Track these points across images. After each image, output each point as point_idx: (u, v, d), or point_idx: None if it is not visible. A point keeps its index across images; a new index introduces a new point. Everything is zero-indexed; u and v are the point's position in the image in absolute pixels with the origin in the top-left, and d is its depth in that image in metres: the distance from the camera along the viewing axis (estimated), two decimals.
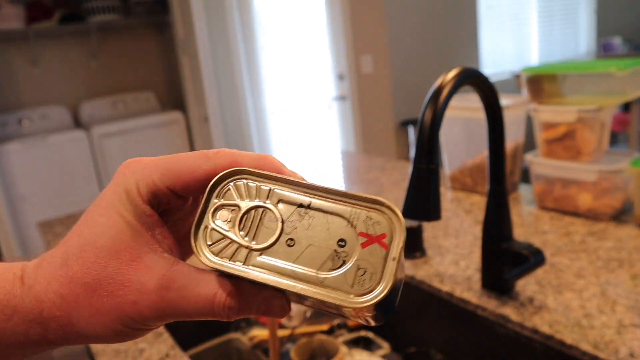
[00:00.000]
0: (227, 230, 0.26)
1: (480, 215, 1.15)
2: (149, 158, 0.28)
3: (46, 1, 3.59)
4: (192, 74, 3.20)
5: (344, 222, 0.24)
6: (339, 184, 1.57)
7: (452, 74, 0.71)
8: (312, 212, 0.25)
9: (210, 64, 3.05)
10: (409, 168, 1.59)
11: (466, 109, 1.22)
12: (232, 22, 3.25)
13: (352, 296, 0.23)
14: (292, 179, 0.27)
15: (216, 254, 0.26)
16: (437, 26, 3.50)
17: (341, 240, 0.24)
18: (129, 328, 0.27)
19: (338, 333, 0.98)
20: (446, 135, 1.30)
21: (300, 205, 0.25)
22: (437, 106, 0.69)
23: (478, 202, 1.23)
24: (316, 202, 0.25)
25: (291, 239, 0.25)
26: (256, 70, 3.33)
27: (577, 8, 4.60)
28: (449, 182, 1.35)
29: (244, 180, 0.27)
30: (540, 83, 1.09)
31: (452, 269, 0.94)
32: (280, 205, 0.26)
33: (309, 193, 0.26)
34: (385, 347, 0.96)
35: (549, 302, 0.81)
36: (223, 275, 0.26)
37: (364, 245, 0.24)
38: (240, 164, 0.27)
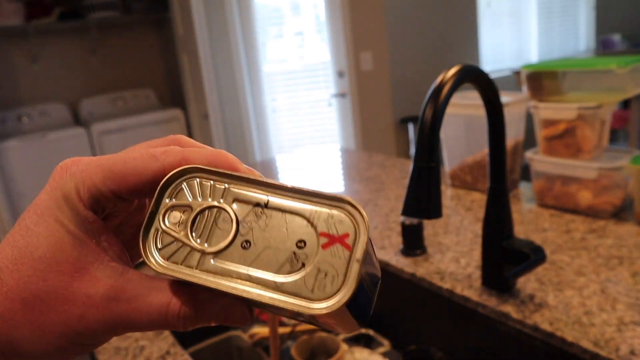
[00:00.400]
0: (179, 233, 0.24)
1: (480, 212, 1.15)
2: (89, 158, 0.26)
3: None
4: (191, 71, 3.19)
5: (304, 222, 0.23)
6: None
7: (452, 71, 0.71)
8: (269, 212, 0.23)
9: (210, 61, 3.04)
10: (409, 165, 1.59)
11: (466, 106, 1.22)
12: (231, 19, 3.24)
13: (312, 302, 0.21)
14: (248, 176, 0.24)
15: (166, 259, 0.24)
16: (437, 23, 3.49)
17: (300, 241, 0.22)
18: (76, 344, 0.25)
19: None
20: (446, 132, 1.30)
21: (257, 205, 0.23)
22: (438, 104, 0.69)
23: (478, 200, 1.23)
24: (274, 200, 0.23)
25: (247, 241, 0.23)
26: (256, 68, 3.33)
27: (577, 5, 4.59)
28: (449, 180, 1.35)
29: (197, 180, 0.24)
30: (540, 80, 1.08)
31: (452, 267, 0.94)
32: (235, 205, 0.24)
33: (266, 191, 0.24)
34: (386, 345, 0.97)
35: (549, 300, 0.81)
36: (177, 282, 0.24)
37: (325, 246, 0.22)
38: (192, 162, 0.25)
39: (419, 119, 0.69)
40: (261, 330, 0.91)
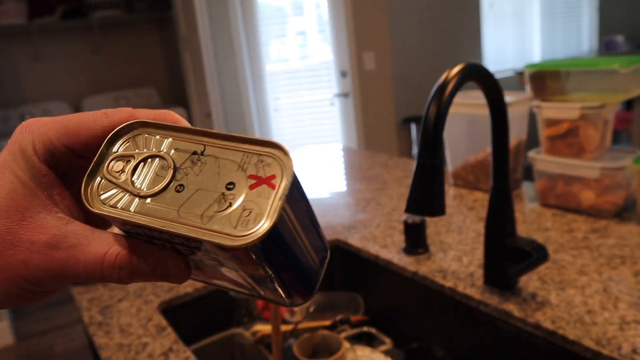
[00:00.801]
0: (119, 179, 0.25)
1: (482, 212, 1.15)
2: (48, 117, 0.27)
3: None
4: (194, 70, 3.19)
5: (235, 166, 0.24)
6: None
7: (456, 69, 0.71)
8: (204, 159, 0.25)
9: (213, 60, 3.04)
10: (411, 165, 1.60)
11: (469, 105, 1.22)
12: (234, 18, 3.25)
13: (233, 237, 0.22)
14: (188, 127, 0.26)
15: (105, 203, 0.25)
16: (440, 23, 3.49)
17: (230, 183, 0.24)
18: (24, 290, 0.26)
19: (341, 329, 0.98)
20: (449, 131, 1.30)
21: (194, 153, 0.25)
22: (442, 101, 0.69)
23: (480, 199, 1.23)
24: (210, 149, 0.25)
25: (181, 185, 0.24)
26: (258, 67, 3.33)
27: (580, 6, 4.59)
28: (452, 179, 1.35)
29: (143, 134, 0.26)
30: (543, 80, 1.09)
31: (454, 265, 0.94)
32: (174, 153, 0.25)
33: (203, 141, 0.25)
34: (388, 343, 0.97)
35: (551, 299, 0.81)
36: (117, 235, 0.26)
37: (252, 187, 0.23)
38: (139, 118, 0.27)
39: (423, 116, 0.69)
40: (263, 328, 0.91)
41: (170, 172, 0.25)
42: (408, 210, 0.68)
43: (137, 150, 0.26)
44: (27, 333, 2.80)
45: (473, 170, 1.26)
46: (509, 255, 0.83)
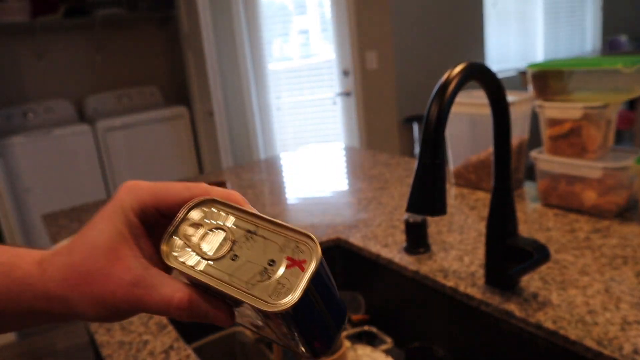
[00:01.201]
0: (190, 242, 0.33)
1: (484, 211, 1.15)
2: (145, 182, 0.36)
3: None
4: (196, 69, 3.19)
5: (278, 248, 0.31)
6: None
7: (458, 68, 0.71)
8: (256, 237, 0.32)
9: (215, 58, 3.04)
10: (413, 164, 1.59)
11: (471, 104, 1.22)
12: (237, 17, 3.25)
13: (268, 304, 0.29)
14: (247, 210, 0.33)
15: (177, 258, 0.32)
16: (442, 23, 3.49)
17: (272, 260, 0.30)
18: (110, 312, 0.33)
19: None
20: (451, 131, 1.30)
21: (249, 231, 0.32)
22: (444, 101, 0.69)
23: (482, 199, 1.23)
24: (261, 230, 0.32)
25: (235, 255, 0.31)
26: (261, 66, 3.33)
27: (584, 5, 4.58)
28: (453, 179, 1.35)
29: (212, 208, 0.33)
30: (545, 79, 1.08)
31: (456, 265, 0.94)
32: (234, 229, 0.32)
33: (257, 223, 0.32)
34: (388, 342, 0.97)
35: (553, 299, 0.81)
36: (184, 283, 0.33)
37: (288, 266, 0.30)
38: (212, 196, 0.34)
39: (424, 116, 0.69)
40: None
41: (229, 243, 0.32)
42: (409, 209, 0.68)
43: (206, 221, 0.33)
44: (29, 330, 2.80)
45: (475, 170, 1.26)
46: (510, 255, 0.83)
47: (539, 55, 4.33)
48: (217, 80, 3.06)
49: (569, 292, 0.82)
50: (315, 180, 1.59)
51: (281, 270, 0.30)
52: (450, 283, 0.89)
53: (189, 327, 0.97)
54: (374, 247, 1.04)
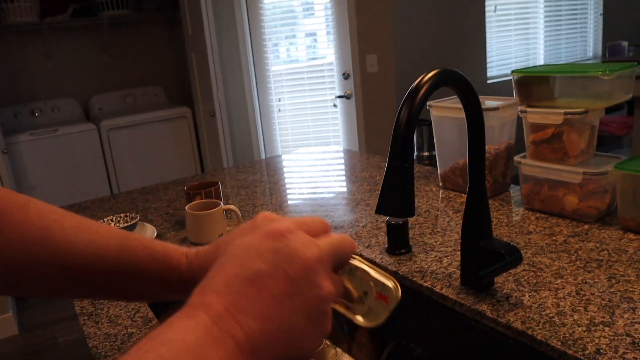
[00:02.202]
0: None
1: None
2: (277, 215, 0.46)
3: None
4: (199, 70, 3.23)
5: (372, 284, 0.44)
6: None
7: (430, 74, 0.74)
8: (360, 273, 0.45)
9: (218, 60, 3.08)
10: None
11: (459, 109, 1.24)
12: (240, 20, 3.28)
13: (361, 321, 0.44)
14: (357, 258, 0.47)
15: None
16: (443, 27, 3.50)
17: (365, 292, 0.44)
18: None
19: None
20: (439, 135, 1.32)
21: (351, 269, 0.46)
22: (414, 105, 0.71)
23: None
24: (360, 272, 0.45)
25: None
26: (263, 68, 3.36)
27: (585, 11, 4.58)
28: (440, 182, 1.37)
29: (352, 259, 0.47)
30: (529, 85, 1.10)
31: (434, 266, 0.96)
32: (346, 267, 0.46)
33: (360, 267, 0.46)
34: (367, 341, 0.99)
35: (524, 300, 0.83)
36: None
37: (376, 298, 0.44)
38: (353, 248, 0.46)
39: (395, 119, 0.71)
40: None
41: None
42: (377, 211, 0.70)
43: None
44: (31, 324, 2.86)
45: (461, 174, 1.28)
46: (484, 257, 0.85)
47: (540, 60, 4.33)
48: (219, 81, 3.10)
49: (541, 294, 0.84)
50: (307, 182, 1.62)
51: (372, 300, 0.43)
52: (427, 283, 0.91)
53: None
54: (357, 248, 1.07)
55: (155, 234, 1.22)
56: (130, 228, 1.24)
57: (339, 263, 0.43)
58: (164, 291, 0.50)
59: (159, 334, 0.33)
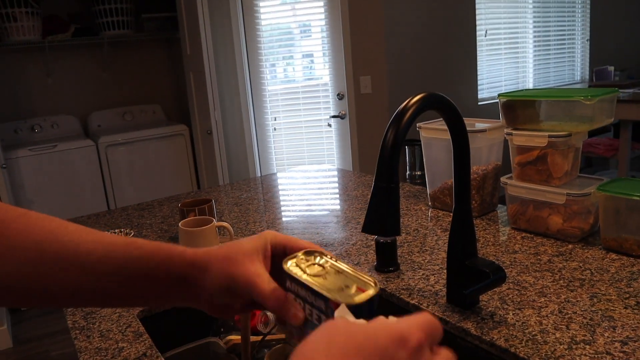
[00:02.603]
0: (300, 265, 0.49)
1: None
2: (279, 234, 0.54)
3: (62, 15, 3.71)
4: (197, 89, 3.28)
5: (352, 281, 0.46)
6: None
7: (416, 98, 0.77)
8: (341, 274, 0.48)
9: (215, 79, 3.13)
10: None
11: (448, 131, 1.27)
12: (238, 41, 3.34)
13: (340, 299, 0.44)
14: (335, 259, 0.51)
15: (290, 268, 0.48)
16: (436, 50, 3.57)
17: (347, 285, 0.46)
18: (227, 290, 0.50)
19: None
20: (428, 156, 1.35)
21: (338, 270, 0.48)
22: (400, 127, 0.74)
23: None
24: (345, 271, 0.48)
25: (326, 278, 0.47)
26: (259, 87, 3.41)
27: (573, 36, 4.71)
28: (430, 201, 1.39)
29: (317, 255, 0.51)
30: (514, 109, 1.14)
31: (421, 284, 0.98)
32: (328, 266, 0.49)
33: (342, 266, 0.49)
34: None
35: (509, 318, 0.85)
36: (288, 289, 0.48)
37: (357, 291, 0.45)
38: (319, 249, 0.52)
39: (382, 141, 0.74)
40: (235, 337, 0.95)
41: (323, 272, 0.48)
42: (364, 230, 0.73)
43: (311, 258, 0.50)
44: (25, 338, 2.85)
45: (450, 193, 1.31)
46: (469, 275, 0.87)
47: (530, 82, 4.42)
48: (216, 100, 3.14)
49: (525, 312, 0.86)
50: (300, 199, 1.64)
51: (353, 291, 0.45)
52: (413, 301, 0.93)
53: (166, 337, 1.02)
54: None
55: None
56: None
57: None
58: (173, 287, 0.52)
59: None
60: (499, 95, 1.14)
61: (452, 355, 0.39)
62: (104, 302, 0.55)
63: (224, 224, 1.18)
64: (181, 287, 0.51)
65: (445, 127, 1.28)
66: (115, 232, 1.30)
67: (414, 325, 0.37)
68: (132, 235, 1.28)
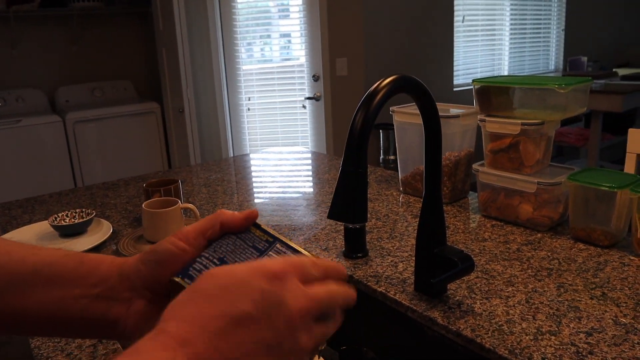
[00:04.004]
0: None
1: None
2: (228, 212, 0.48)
3: None
4: (169, 66, 3.19)
5: (256, 250, 0.46)
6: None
7: (387, 80, 0.74)
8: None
9: (188, 56, 3.05)
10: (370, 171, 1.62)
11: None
12: (212, 17, 3.25)
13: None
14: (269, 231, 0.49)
15: None
16: (413, 34, 3.54)
17: (257, 249, 0.46)
18: (152, 258, 0.44)
19: None
20: (401, 140, 1.33)
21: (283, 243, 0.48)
22: (369, 111, 0.71)
23: None
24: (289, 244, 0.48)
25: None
26: (233, 66, 3.34)
27: (548, 26, 4.75)
28: (401, 187, 1.38)
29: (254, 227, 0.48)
30: (488, 95, 1.12)
31: (389, 271, 0.96)
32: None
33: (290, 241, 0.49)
34: (323, 344, 0.99)
35: (475, 307, 0.83)
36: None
37: (274, 252, 0.47)
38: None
39: (350, 124, 0.71)
40: None
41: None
42: (330, 216, 0.70)
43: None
44: None
45: (422, 179, 1.29)
46: (437, 263, 0.85)
47: (505, 70, 4.45)
48: (188, 77, 3.06)
49: (492, 301, 0.85)
50: (269, 182, 1.61)
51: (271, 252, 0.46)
52: (381, 288, 0.91)
53: None
54: (314, 251, 1.06)
55: (111, 231, 1.20)
56: (86, 224, 1.21)
57: (326, 315, 0.41)
58: (92, 298, 0.45)
59: None
60: (474, 81, 1.12)
61: (343, 290, 0.42)
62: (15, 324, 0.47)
63: (190, 205, 1.14)
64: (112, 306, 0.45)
65: (418, 112, 1.26)
66: (76, 212, 1.25)
67: (281, 261, 0.39)
68: (94, 216, 1.24)
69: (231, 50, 3.31)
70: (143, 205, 1.11)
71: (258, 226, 0.48)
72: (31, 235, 1.23)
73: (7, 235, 1.22)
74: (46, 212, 1.41)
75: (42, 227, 1.27)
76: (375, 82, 0.74)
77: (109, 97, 3.87)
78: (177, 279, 0.42)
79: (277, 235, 0.48)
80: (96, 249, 1.13)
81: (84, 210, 1.26)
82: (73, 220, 1.23)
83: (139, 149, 3.68)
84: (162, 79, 3.35)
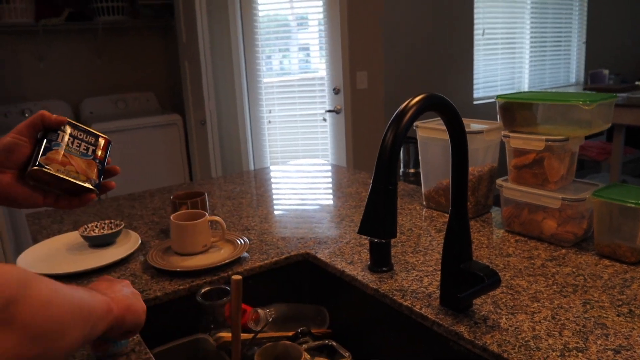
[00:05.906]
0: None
1: None
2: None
3: None
4: (191, 78, 3.25)
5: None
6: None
7: (417, 99, 0.75)
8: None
9: (210, 69, 3.10)
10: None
11: (445, 131, 1.26)
12: (234, 30, 3.31)
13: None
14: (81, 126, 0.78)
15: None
16: (433, 48, 3.56)
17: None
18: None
19: (302, 340, 1.01)
20: (424, 155, 1.34)
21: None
22: (399, 128, 0.73)
23: None
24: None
25: None
26: (254, 79, 3.38)
27: (569, 39, 4.73)
28: (425, 201, 1.39)
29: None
30: (512, 111, 1.13)
31: (415, 285, 0.98)
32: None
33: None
34: (347, 357, 1.00)
35: (501, 323, 0.84)
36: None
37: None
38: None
39: (381, 142, 0.73)
40: (225, 335, 0.94)
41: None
42: (360, 232, 0.72)
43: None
44: None
45: (445, 193, 1.30)
46: (463, 278, 0.87)
47: (525, 83, 4.44)
48: (210, 90, 3.11)
49: (518, 317, 0.85)
50: (293, 195, 1.63)
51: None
52: (406, 302, 0.92)
53: (156, 332, 1.00)
54: (340, 264, 1.08)
55: (140, 242, 1.23)
56: (115, 235, 1.24)
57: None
58: None
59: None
60: (498, 96, 1.13)
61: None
62: None
63: (217, 218, 1.16)
64: None
65: (442, 126, 1.27)
66: (105, 224, 1.28)
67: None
68: (122, 227, 1.27)
69: (252, 62, 3.36)
70: (172, 218, 1.14)
71: (70, 123, 0.73)
72: (61, 244, 1.26)
73: (37, 245, 1.26)
74: (74, 223, 1.45)
75: (72, 237, 1.30)
76: (395, 96, 0.77)
77: (132, 109, 3.94)
78: (35, 168, 0.68)
79: (82, 126, 0.75)
80: (125, 260, 1.16)
81: (112, 221, 1.29)
82: (102, 231, 1.26)
83: (161, 160, 3.74)
84: (185, 91, 3.41)
